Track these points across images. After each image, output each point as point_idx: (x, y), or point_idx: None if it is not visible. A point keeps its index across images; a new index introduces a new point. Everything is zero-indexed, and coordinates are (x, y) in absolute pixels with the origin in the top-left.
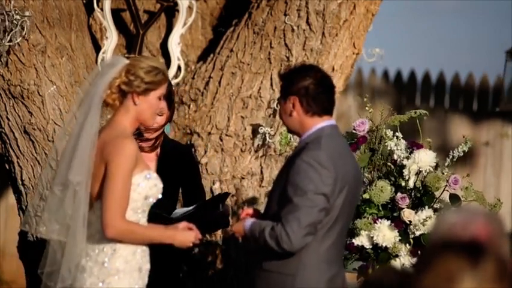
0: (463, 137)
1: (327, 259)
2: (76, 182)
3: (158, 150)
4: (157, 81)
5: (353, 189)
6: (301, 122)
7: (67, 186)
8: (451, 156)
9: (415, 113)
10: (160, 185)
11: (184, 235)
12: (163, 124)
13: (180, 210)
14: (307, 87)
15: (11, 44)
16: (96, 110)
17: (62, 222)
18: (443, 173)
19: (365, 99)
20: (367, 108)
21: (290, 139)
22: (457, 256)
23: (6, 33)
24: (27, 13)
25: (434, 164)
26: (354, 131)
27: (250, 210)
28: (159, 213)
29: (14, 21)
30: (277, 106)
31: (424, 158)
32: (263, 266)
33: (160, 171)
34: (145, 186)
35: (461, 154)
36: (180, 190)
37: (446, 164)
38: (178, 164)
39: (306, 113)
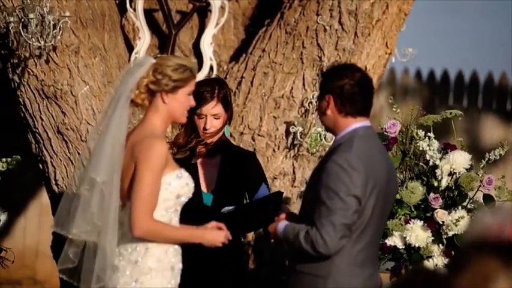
0: (500, 143)
1: (360, 261)
2: (102, 182)
3: (220, 155)
4: (185, 79)
5: (385, 190)
6: (335, 121)
7: (93, 185)
8: (486, 159)
9: (450, 113)
10: (192, 184)
11: (214, 235)
12: (220, 127)
13: (229, 208)
14: (343, 86)
15: (51, 44)
16: (123, 109)
17: (92, 222)
18: (477, 174)
19: (390, 101)
20: (394, 109)
21: (320, 141)
22: (492, 257)
23: (47, 34)
24: (67, 13)
25: (469, 166)
26: (385, 133)
27: (284, 214)
28: (207, 209)
29: (52, 21)
30: (310, 105)
31: (459, 160)
32: (296, 267)
33: (224, 177)
34: (177, 185)
35: (498, 157)
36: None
37: (481, 166)
38: (242, 170)
39: (340, 112)
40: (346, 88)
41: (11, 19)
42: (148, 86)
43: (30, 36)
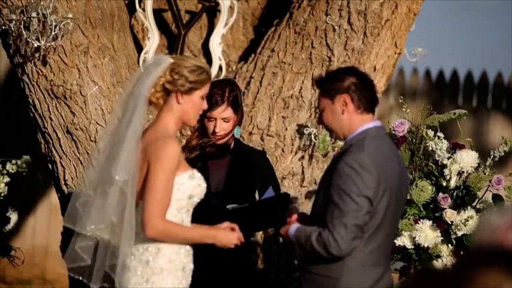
0: (502, 138)
1: (372, 262)
2: (122, 181)
3: (229, 156)
4: (201, 81)
5: (397, 191)
6: (351, 121)
7: (112, 185)
8: (492, 156)
9: (455, 113)
10: (204, 185)
11: (227, 236)
12: (230, 130)
13: (234, 206)
14: (356, 82)
15: (52, 44)
16: (142, 109)
17: (107, 221)
18: (484, 173)
19: (400, 100)
20: (403, 108)
21: (332, 142)
22: (496, 268)
23: (47, 35)
24: (70, 15)
25: (477, 165)
26: (393, 132)
27: (296, 215)
28: (214, 204)
29: (54, 22)
30: (316, 112)
31: (467, 159)
32: (307, 267)
33: (232, 178)
34: (190, 185)
35: (502, 154)
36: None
37: (488, 163)
38: (252, 170)
39: (358, 109)
40: (357, 83)
41: (13, 16)
42: (164, 85)
43: (31, 35)
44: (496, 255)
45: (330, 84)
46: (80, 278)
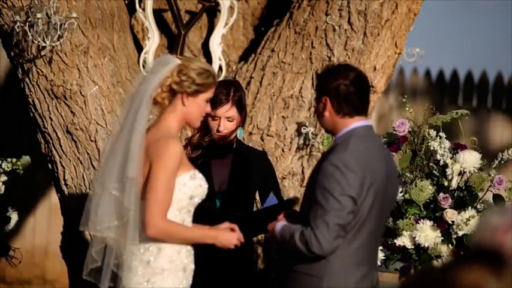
0: None
1: (355, 261)
2: (131, 178)
3: (232, 155)
4: (207, 84)
5: (383, 191)
6: (334, 122)
7: (124, 183)
8: (499, 159)
9: (457, 113)
10: (206, 186)
11: (227, 236)
12: (233, 130)
13: (239, 215)
14: (337, 87)
15: (56, 44)
16: (147, 107)
17: (120, 220)
18: (489, 175)
19: (404, 100)
20: (407, 108)
21: (326, 142)
22: (480, 266)
23: (52, 34)
24: (74, 14)
25: (479, 165)
26: (394, 132)
27: (283, 213)
28: (217, 211)
29: (58, 21)
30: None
31: (469, 159)
32: (292, 266)
33: (235, 176)
34: (191, 186)
35: (511, 157)
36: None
37: (494, 166)
38: (253, 170)
39: (337, 113)
40: (341, 88)
41: (18, 18)
42: (171, 85)
43: (36, 36)
44: (480, 253)
45: (319, 83)
46: (92, 280)
